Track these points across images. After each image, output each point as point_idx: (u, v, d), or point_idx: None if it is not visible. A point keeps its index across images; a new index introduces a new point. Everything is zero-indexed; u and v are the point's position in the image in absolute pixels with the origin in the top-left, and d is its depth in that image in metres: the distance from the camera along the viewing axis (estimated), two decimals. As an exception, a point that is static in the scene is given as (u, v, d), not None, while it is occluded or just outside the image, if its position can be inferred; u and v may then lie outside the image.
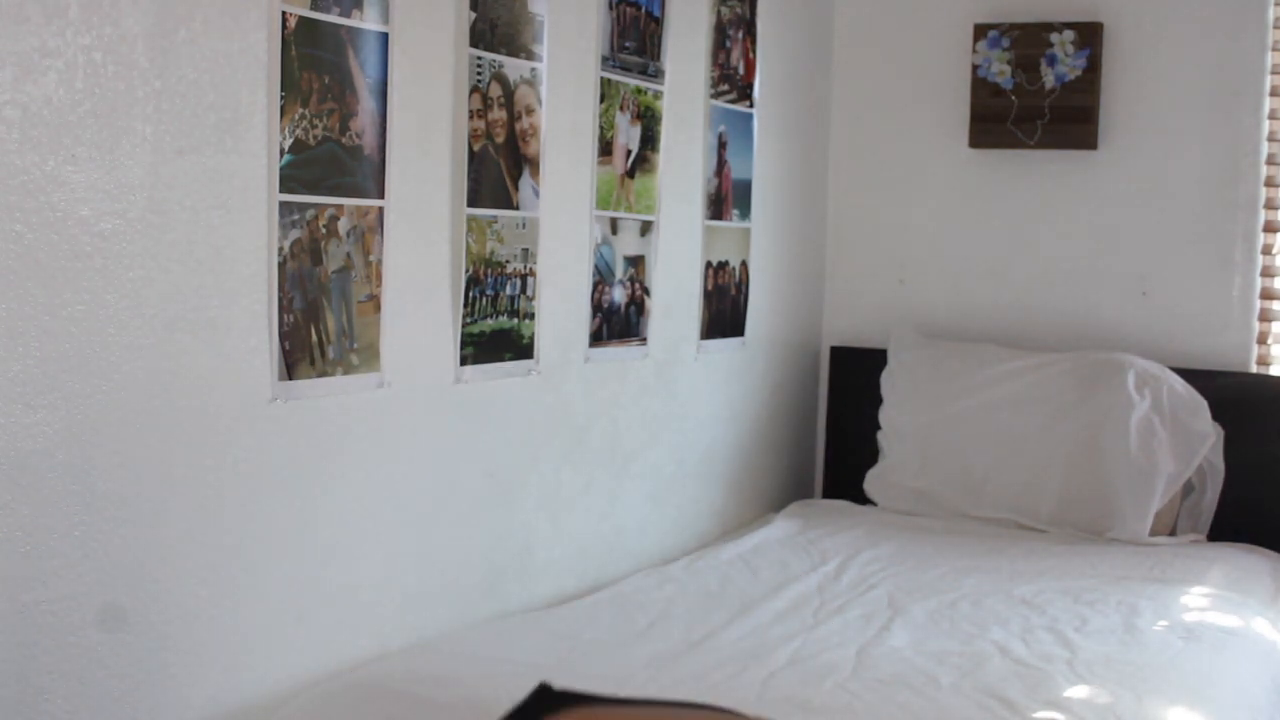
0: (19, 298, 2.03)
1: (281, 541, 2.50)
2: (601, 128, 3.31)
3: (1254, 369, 4.05)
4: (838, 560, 3.51)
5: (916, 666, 2.69)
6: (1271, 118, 4.02)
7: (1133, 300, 4.15)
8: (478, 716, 2.24)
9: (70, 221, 2.10)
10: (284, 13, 2.40)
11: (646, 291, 3.54)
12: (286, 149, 2.43)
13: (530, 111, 3.04)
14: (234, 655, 2.42)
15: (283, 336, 2.45)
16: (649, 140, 3.50)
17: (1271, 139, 4.02)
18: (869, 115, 4.48)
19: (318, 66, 2.48)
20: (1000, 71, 4.19)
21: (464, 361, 2.91)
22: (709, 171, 3.80)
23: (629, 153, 3.43)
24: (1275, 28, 4.00)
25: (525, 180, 3.05)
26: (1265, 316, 4.06)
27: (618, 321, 3.44)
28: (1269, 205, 4.03)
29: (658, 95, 3.52)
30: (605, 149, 3.34)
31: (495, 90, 2.93)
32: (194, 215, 2.28)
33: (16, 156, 2.02)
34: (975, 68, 4.23)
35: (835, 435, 4.43)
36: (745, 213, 3.99)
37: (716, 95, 3.80)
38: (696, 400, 3.83)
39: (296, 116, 2.45)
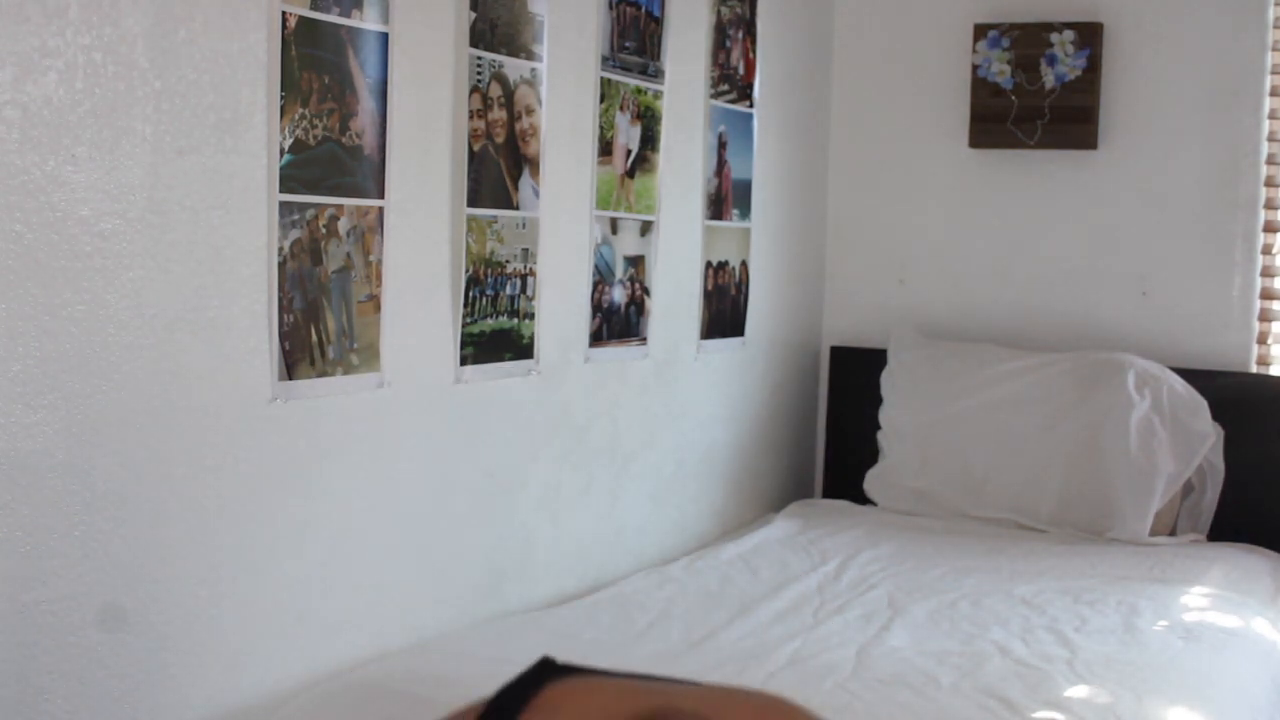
0: (19, 298, 2.03)
1: (281, 541, 2.50)
2: (601, 128, 3.31)
3: (1254, 369, 4.05)
4: (838, 560, 3.50)
5: (916, 666, 2.69)
6: (1271, 118, 4.02)
7: (1133, 300, 4.15)
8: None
9: (70, 221, 2.09)
10: (284, 13, 2.40)
11: (646, 291, 3.53)
12: (286, 149, 2.43)
13: (530, 111, 3.04)
14: (234, 655, 2.42)
15: (283, 336, 2.45)
16: (649, 140, 3.50)
17: (1271, 139, 4.01)
18: (869, 115, 4.47)
19: (318, 66, 2.48)
20: (1000, 71, 4.18)
21: (464, 361, 2.91)
22: (709, 171, 3.80)
23: (629, 153, 3.43)
24: (1275, 28, 4.00)
25: (525, 180, 3.05)
26: (1265, 316, 4.06)
27: (618, 321, 3.44)
28: (1269, 205, 4.03)
29: (658, 95, 3.52)
30: (605, 149, 3.33)
31: (495, 90, 2.93)
32: (194, 215, 2.28)
33: (16, 156, 2.02)
34: (975, 68, 4.23)
35: (835, 435, 4.42)
36: (745, 213, 3.99)
37: (716, 95, 3.80)
38: (696, 400, 3.83)
39: (296, 116, 2.45)
